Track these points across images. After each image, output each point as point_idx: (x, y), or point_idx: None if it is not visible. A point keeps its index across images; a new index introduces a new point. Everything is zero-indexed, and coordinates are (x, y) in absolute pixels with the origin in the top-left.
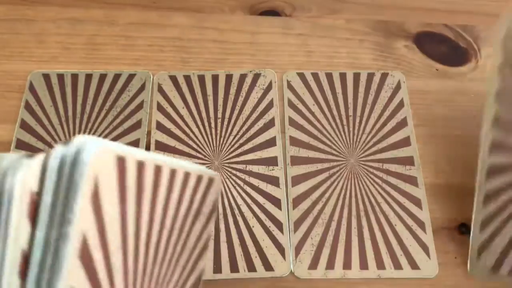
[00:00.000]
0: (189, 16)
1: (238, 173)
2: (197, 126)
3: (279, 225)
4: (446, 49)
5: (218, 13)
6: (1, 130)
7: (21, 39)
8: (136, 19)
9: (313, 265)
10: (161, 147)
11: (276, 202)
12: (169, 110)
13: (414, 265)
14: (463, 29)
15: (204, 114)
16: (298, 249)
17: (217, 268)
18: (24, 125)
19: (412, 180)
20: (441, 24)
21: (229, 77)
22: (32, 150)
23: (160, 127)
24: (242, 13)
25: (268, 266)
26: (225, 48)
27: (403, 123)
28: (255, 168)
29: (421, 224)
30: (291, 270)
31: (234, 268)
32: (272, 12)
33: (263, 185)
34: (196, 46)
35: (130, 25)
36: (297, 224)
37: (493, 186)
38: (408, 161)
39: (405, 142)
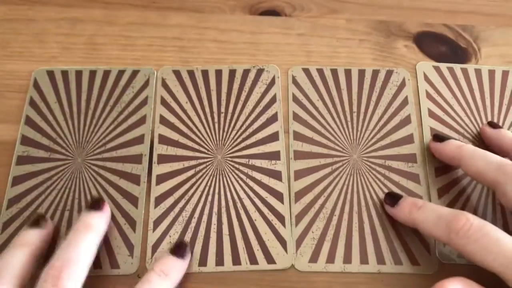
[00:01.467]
0: (189, 16)
1: (241, 167)
2: (200, 121)
3: (281, 219)
4: (446, 49)
5: (218, 13)
6: (2, 130)
7: (21, 39)
8: (136, 19)
9: (314, 258)
10: (165, 141)
11: (279, 196)
12: (173, 104)
13: (414, 261)
14: (463, 29)
15: (207, 109)
16: (299, 242)
17: (220, 261)
18: (29, 122)
19: (414, 177)
20: (441, 24)
21: (232, 72)
22: (37, 147)
23: (163, 121)
24: (242, 13)
25: (270, 259)
26: (225, 48)
27: (406, 121)
28: (257, 162)
29: None
30: (293, 263)
31: (236, 260)
32: (272, 12)
33: (265, 179)
34: (196, 46)
35: (130, 25)
36: (299, 217)
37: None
38: (410, 158)
39: (408, 139)
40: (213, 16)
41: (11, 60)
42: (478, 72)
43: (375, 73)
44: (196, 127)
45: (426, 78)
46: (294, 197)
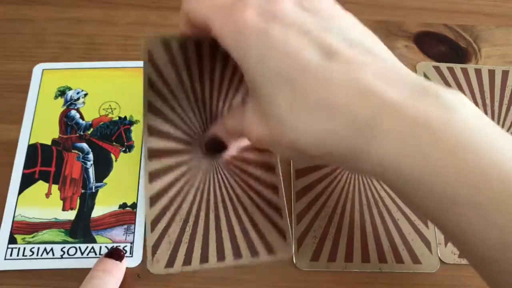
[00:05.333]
0: None
1: (234, 161)
2: (193, 111)
3: (278, 212)
4: (446, 49)
5: None
6: (3, 130)
7: (21, 39)
8: (136, 19)
9: (315, 257)
10: (156, 132)
11: (273, 189)
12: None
13: (415, 260)
14: (463, 29)
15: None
16: (300, 241)
17: (221, 257)
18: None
19: None
20: (441, 24)
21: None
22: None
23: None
24: None
25: (270, 250)
26: None
27: None
28: (251, 155)
29: (424, 219)
30: (293, 261)
31: (237, 255)
32: None
33: (259, 172)
34: None
35: (130, 25)
36: (300, 216)
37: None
38: None
39: None
40: None
41: (10, 60)
42: (478, 72)
43: None
44: (189, 119)
45: (426, 78)
46: (296, 195)
